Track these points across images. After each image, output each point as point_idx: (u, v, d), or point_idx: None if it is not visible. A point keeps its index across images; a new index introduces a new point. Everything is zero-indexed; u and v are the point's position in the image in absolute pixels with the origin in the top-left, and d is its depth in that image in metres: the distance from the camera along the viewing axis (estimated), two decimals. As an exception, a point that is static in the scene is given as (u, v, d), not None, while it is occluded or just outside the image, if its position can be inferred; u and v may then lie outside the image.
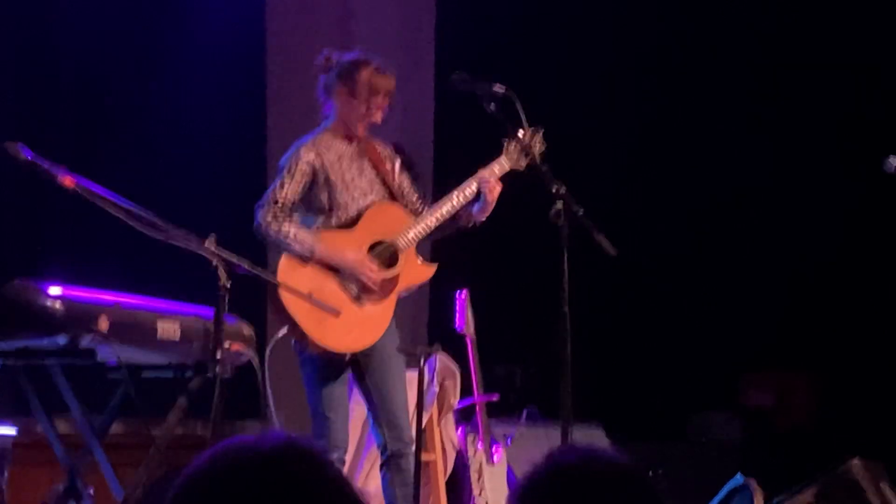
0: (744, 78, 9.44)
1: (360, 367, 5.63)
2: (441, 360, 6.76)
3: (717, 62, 9.40)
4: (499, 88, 5.47)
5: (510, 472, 6.94)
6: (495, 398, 7.06)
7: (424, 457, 6.07)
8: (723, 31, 9.37)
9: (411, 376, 5.68)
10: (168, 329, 5.33)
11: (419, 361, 5.44)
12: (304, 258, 5.48)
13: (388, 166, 5.74)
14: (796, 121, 9.38)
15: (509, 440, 7.23)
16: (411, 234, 5.62)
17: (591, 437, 7.56)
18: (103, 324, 5.02)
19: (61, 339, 4.99)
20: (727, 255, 9.44)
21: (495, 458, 6.89)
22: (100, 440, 5.42)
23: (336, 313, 5.35)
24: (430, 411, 6.74)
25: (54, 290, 4.98)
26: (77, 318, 4.99)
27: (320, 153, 5.59)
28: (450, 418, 6.97)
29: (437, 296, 7.68)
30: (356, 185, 5.62)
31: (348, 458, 6.01)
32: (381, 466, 5.69)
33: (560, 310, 5.26)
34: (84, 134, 7.84)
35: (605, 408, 8.08)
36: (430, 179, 8.51)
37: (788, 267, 9.39)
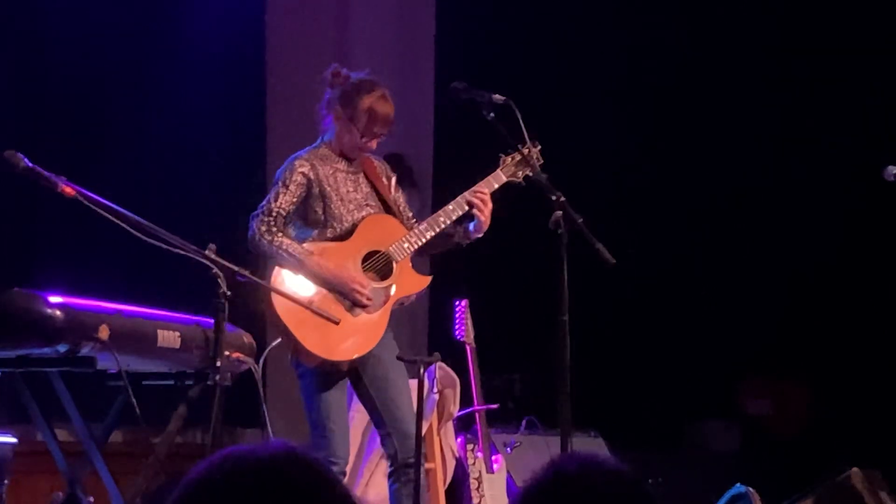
0: (743, 85, 9.45)
1: (360, 377, 5.63)
2: (441, 369, 6.76)
3: (717, 70, 9.41)
4: (498, 98, 5.48)
5: (510, 481, 6.95)
6: (495, 407, 7.07)
7: (424, 465, 6.07)
8: (722, 38, 9.38)
9: (411, 385, 5.68)
10: (168, 337, 5.33)
11: (419, 370, 5.44)
12: (296, 270, 5.49)
13: (385, 182, 5.75)
14: (793, 132, 9.40)
15: (509, 449, 7.24)
16: (406, 245, 5.62)
17: (591, 445, 7.57)
18: (103, 332, 5.02)
19: (61, 348, 4.99)
20: (724, 265, 9.45)
21: (495, 466, 6.90)
22: (100, 448, 5.42)
23: (336, 321, 5.36)
24: (430, 420, 6.74)
25: (55, 299, 4.99)
26: (77, 327, 4.99)
27: (315, 166, 5.60)
28: (449, 427, 6.97)
29: (436, 305, 7.69)
30: (351, 198, 5.63)
31: (348, 467, 6.02)
32: (389, 476, 5.68)
33: (559, 319, 5.27)
34: (81, 143, 7.83)
35: (603, 416, 8.09)
36: (430, 189, 8.52)
37: (785, 275, 9.40)
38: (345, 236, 5.59)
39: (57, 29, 7.85)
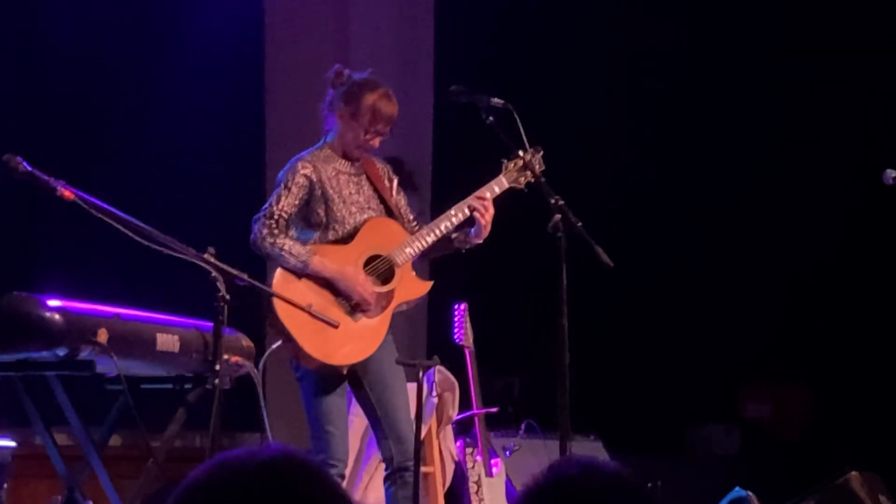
0: (742, 86, 9.45)
1: (359, 380, 5.63)
2: (440, 372, 6.76)
3: (716, 71, 9.41)
4: (497, 101, 5.49)
5: (509, 485, 6.94)
6: (494, 411, 7.06)
7: (423, 469, 6.07)
8: (721, 39, 9.38)
9: (410, 388, 5.68)
10: (167, 341, 5.33)
11: (418, 374, 5.44)
12: (299, 272, 5.48)
13: (387, 184, 5.75)
14: (793, 133, 9.40)
15: (508, 452, 7.23)
16: (408, 250, 5.62)
17: (590, 449, 7.57)
18: (102, 336, 5.02)
19: (60, 351, 4.99)
20: (723, 268, 9.45)
21: (494, 470, 6.89)
22: (99, 452, 5.42)
23: (335, 325, 5.35)
24: (429, 423, 6.74)
25: (53, 303, 4.98)
26: (76, 330, 4.99)
27: (317, 168, 5.59)
28: (449, 431, 6.97)
29: (435, 308, 7.68)
30: (354, 200, 5.63)
31: (347, 470, 6.01)
32: (386, 479, 5.68)
33: (558, 322, 5.27)
34: (80, 144, 7.83)
35: (603, 420, 8.09)
36: (429, 193, 8.52)
37: (784, 280, 9.40)
38: (347, 239, 5.59)
39: (56, 29, 7.86)
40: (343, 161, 5.66)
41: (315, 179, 5.57)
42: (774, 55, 9.43)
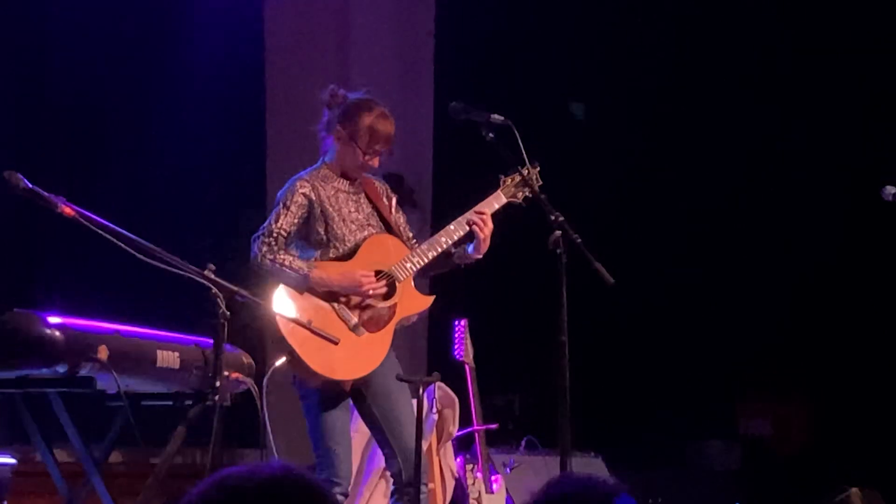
0: (741, 97, 9.45)
1: (363, 394, 5.62)
2: (440, 388, 6.76)
3: (714, 79, 9.41)
4: (496, 118, 5.49)
5: (509, 501, 6.94)
6: (494, 427, 7.06)
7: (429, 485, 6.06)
8: (721, 49, 9.38)
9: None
10: (167, 358, 5.33)
11: (418, 390, 5.43)
12: (300, 288, 5.49)
13: (385, 202, 5.76)
14: (792, 141, 9.40)
15: (508, 469, 7.23)
16: (409, 265, 5.62)
17: (590, 465, 7.56)
18: (103, 352, 5.01)
19: (61, 368, 4.98)
20: (723, 285, 9.45)
21: (494, 486, 6.89)
22: (99, 469, 5.41)
23: (335, 341, 5.35)
24: (430, 440, 6.74)
25: (54, 319, 4.98)
26: (76, 347, 4.98)
27: (316, 187, 5.60)
28: (449, 447, 6.96)
29: (436, 325, 7.69)
30: (353, 218, 5.63)
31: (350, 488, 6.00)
32: (392, 493, 5.68)
33: (558, 339, 5.27)
34: (80, 154, 7.85)
35: (603, 436, 8.08)
36: (429, 207, 8.53)
37: (785, 297, 9.40)
38: (347, 256, 5.60)
39: (56, 36, 7.87)
40: (342, 180, 5.67)
41: (314, 198, 5.58)
42: (775, 56, 9.42)
